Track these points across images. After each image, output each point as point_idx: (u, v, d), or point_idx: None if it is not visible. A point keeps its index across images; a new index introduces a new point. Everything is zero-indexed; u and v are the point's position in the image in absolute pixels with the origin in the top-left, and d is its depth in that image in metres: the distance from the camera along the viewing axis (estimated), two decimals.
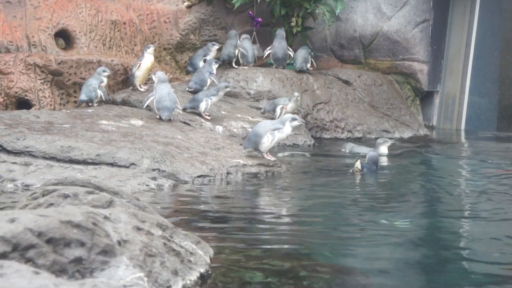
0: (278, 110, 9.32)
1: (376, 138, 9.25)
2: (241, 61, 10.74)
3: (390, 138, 9.24)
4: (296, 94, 9.38)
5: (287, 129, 7.54)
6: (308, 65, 10.86)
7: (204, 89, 9.46)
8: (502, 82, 11.83)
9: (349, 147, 8.99)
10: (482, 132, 11.54)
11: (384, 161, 8.42)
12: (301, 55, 10.83)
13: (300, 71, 10.76)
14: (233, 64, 10.67)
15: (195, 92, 9.52)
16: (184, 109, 9.05)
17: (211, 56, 10.46)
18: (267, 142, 7.51)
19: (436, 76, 11.97)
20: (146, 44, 10.43)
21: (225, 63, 10.64)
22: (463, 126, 11.91)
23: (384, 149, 8.72)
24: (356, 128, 10.36)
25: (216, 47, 10.59)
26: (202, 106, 8.96)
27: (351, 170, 7.46)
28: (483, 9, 11.92)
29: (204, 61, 10.34)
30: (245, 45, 10.75)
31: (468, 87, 11.96)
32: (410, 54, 11.77)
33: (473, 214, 6.09)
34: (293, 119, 7.55)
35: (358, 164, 7.39)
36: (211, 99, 8.98)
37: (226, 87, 9.15)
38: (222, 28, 11.32)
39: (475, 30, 11.95)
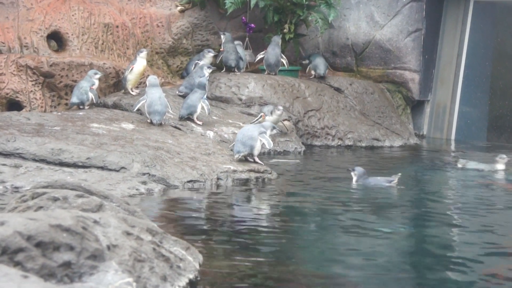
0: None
1: (495, 156, 8.90)
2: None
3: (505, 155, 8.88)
4: (279, 108, 9.27)
5: (267, 136, 7.76)
6: (327, 71, 11.38)
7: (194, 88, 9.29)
8: (493, 93, 11.88)
9: (462, 162, 8.78)
10: (472, 142, 11.57)
11: (500, 176, 8.38)
12: (322, 62, 11.33)
13: (322, 77, 11.24)
14: (235, 70, 10.64)
15: (185, 96, 9.46)
16: (180, 118, 9.00)
17: (205, 62, 10.43)
18: (260, 145, 7.63)
19: (427, 86, 12.00)
20: (139, 48, 10.43)
21: (232, 69, 10.62)
22: (453, 136, 11.94)
23: (501, 166, 8.57)
24: (347, 135, 10.37)
25: (211, 54, 10.55)
26: (206, 108, 8.90)
27: (393, 183, 7.40)
28: (475, 20, 11.97)
29: (196, 65, 10.34)
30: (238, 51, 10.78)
31: (459, 97, 11.99)
32: (402, 63, 11.79)
33: (462, 223, 6.11)
34: (273, 128, 7.90)
35: (396, 181, 7.38)
36: (205, 98, 9.00)
37: (209, 67, 9.59)
38: (215, 33, 11.32)
39: (467, 40, 11.99)
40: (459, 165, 8.76)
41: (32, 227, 3.19)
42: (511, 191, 7.78)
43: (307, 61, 11.41)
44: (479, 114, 11.94)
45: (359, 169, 7.50)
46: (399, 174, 7.47)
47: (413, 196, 7.32)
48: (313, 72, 11.31)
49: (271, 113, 9.18)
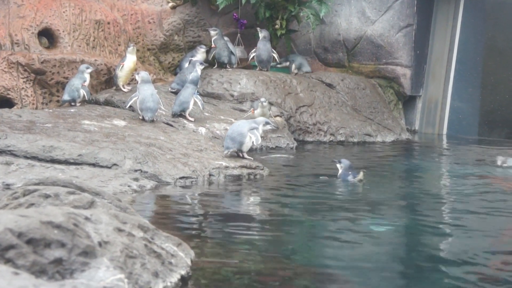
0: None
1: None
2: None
3: None
4: (262, 99, 9.30)
5: (260, 131, 7.76)
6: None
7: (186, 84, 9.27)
8: (484, 88, 11.91)
9: (501, 160, 8.50)
10: (463, 137, 11.60)
11: None
12: (304, 59, 11.65)
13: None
14: (228, 66, 10.66)
15: (177, 93, 9.46)
16: (173, 115, 8.99)
17: (197, 58, 10.45)
18: (250, 142, 7.62)
19: (419, 81, 12.03)
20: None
21: (225, 66, 10.64)
22: (445, 131, 11.98)
23: None
24: (339, 131, 10.38)
25: (203, 49, 10.60)
26: (199, 103, 8.89)
27: (356, 179, 7.34)
28: (467, 15, 12.00)
29: (190, 62, 10.36)
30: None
31: (450, 92, 12.02)
32: (393, 59, 11.81)
33: (453, 220, 6.13)
34: (266, 123, 7.80)
35: (361, 176, 7.34)
36: (197, 94, 9.00)
37: (201, 64, 9.54)
38: (207, 30, 11.31)
39: (458, 36, 12.02)
40: (499, 163, 8.48)
41: (23, 224, 3.19)
42: None
43: (287, 63, 11.39)
44: (471, 109, 11.97)
45: (345, 162, 7.46)
46: (364, 170, 7.40)
47: (409, 192, 7.34)
48: (296, 71, 11.33)
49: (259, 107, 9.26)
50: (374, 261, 4.71)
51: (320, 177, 7.56)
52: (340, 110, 10.78)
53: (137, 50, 10.19)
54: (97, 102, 9.60)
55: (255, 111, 9.21)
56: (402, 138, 11.07)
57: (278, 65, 11.28)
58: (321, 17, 11.26)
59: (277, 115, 9.77)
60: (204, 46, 10.69)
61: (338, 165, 7.43)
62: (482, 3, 12.15)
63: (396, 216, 6.18)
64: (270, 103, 9.87)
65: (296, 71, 11.35)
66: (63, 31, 10.19)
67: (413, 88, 11.91)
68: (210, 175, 7.18)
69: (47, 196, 3.98)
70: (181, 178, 6.97)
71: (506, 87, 11.75)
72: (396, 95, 11.93)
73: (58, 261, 3.23)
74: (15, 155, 6.81)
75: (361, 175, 7.31)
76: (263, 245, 4.97)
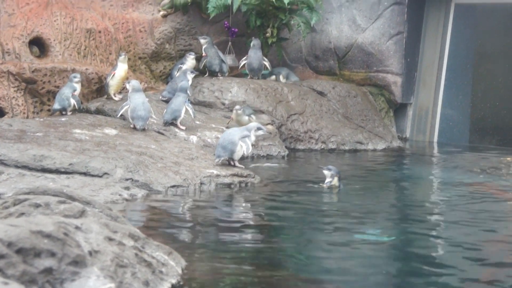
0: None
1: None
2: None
3: None
4: (236, 107, 9.25)
5: (252, 138, 7.77)
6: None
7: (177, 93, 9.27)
8: (475, 95, 11.95)
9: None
10: (454, 144, 11.63)
11: None
12: (290, 70, 11.67)
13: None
14: (219, 74, 10.69)
15: (168, 101, 9.46)
16: (165, 123, 8.98)
17: (187, 65, 10.48)
18: (241, 150, 7.62)
19: (410, 88, 12.06)
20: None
21: (216, 74, 10.68)
22: (435, 138, 12.00)
23: None
24: (330, 139, 10.40)
25: (193, 56, 10.62)
26: (191, 112, 8.89)
27: (325, 185, 7.40)
28: (457, 23, 12.05)
29: (179, 69, 10.38)
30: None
31: (441, 100, 12.06)
32: (384, 66, 11.84)
33: (444, 227, 6.14)
34: (258, 129, 7.79)
35: (336, 181, 7.37)
36: (188, 101, 9.00)
37: (192, 72, 9.68)
38: (197, 38, 11.30)
39: (448, 43, 12.06)
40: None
41: (12, 234, 3.18)
42: None
43: (273, 77, 11.39)
44: (461, 117, 12.01)
45: (334, 169, 7.45)
46: (336, 177, 7.38)
47: (400, 200, 7.35)
48: (285, 81, 11.35)
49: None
50: (364, 269, 4.71)
51: (315, 186, 7.54)
52: (331, 118, 10.79)
53: (128, 59, 10.19)
54: (88, 111, 9.59)
55: (234, 118, 9.21)
56: (393, 145, 11.09)
57: (270, 78, 11.34)
58: (311, 25, 11.29)
59: (268, 123, 9.78)
60: (193, 53, 10.71)
61: (325, 172, 7.42)
62: (472, 10, 12.21)
63: (386, 224, 6.19)
64: (262, 111, 9.89)
65: (284, 80, 11.37)
66: (54, 40, 10.18)
67: (404, 95, 11.93)
68: (201, 183, 7.18)
69: (37, 206, 3.98)
70: (172, 186, 6.97)
71: (496, 95, 11.79)
72: (387, 103, 11.95)
73: (48, 271, 3.23)
74: (6, 165, 6.80)
75: (335, 181, 7.33)
76: (254, 254, 4.97)
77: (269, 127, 9.73)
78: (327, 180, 7.37)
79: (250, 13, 11.24)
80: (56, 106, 9.19)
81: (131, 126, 8.70)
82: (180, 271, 3.90)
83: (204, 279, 4.20)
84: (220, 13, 11.06)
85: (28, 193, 4.37)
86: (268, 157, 9.31)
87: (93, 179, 6.76)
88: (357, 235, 5.56)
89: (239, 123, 9.00)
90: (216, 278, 4.29)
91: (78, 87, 9.35)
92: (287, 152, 9.60)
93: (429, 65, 12.14)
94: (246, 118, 9.17)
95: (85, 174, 6.85)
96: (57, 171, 6.83)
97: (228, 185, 7.33)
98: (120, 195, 6.52)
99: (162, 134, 8.81)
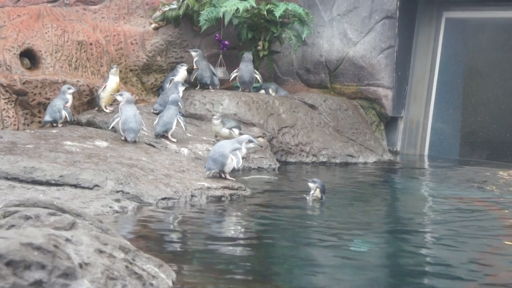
0: None
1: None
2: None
3: None
4: (214, 117, 9.29)
5: (243, 150, 7.78)
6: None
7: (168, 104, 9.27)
8: (465, 109, 12.00)
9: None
10: (445, 158, 11.66)
11: None
12: (278, 85, 11.65)
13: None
14: (210, 87, 10.72)
15: (159, 114, 9.46)
16: (157, 136, 8.98)
17: (179, 77, 10.50)
18: (232, 163, 7.61)
19: (401, 102, 12.10)
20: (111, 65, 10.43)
21: (207, 87, 10.71)
22: (426, 152, 12.04)
23: None
24: (321, 152, 10.41)
25: (185, 67, 10.66)
26: (182, 124, 8.91)
27: (308, 198, 7.41)
28: (447, 37, 12.11)
29: (171, 81, 10.40)
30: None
31: (431, 113, 12.11)
32: (375, 80, 11.88)
33: (433, 239, 6.15)
34: (249, 141, 7.79)
35: (318, 193, 7.38)
36: (180, 114, 9.01)
37: (183, 84, 9.76)
38: (188, 51, 11.32)
39: (439, 57, 12.12)
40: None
41: (2, 246, 3.16)
42: None
43: (263, 91, 11.42)
44: (452, 130, 12.06)
45: (319, 181, 7.46)
46: (317, 189, 7.39)
47: (390, 213, 7.36)
48: (274, 94, 11.39)
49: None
50: (355, 282, 4.71)
51: (302, 198, 7.55)
52: (323, 131, 10.81)
53: (120, 71, 10.19)
54: (79, 123, 9.58)
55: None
56: (384, 159, 11.11)
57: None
58: (303, 39, 11.33)
59: (260, 136, 9.79)
60: (184, 64, 10.74)
61: (310, 184, 7.42)
62: (463, 24, 12.28)
63: (377, 237, 6.18)
64: (253, 124, 9.90)
65: (274, 93, 11.40)
66: (45, 52, 10.18)
67: (394, 109, 11.97)
68: (192, 196, 7.16)
69: (27, 218, 3.96)
70: (163, 199, 6.96)
71: (486, 108, 11.85)
72: (378, 116, 11.99)
73: (38, 283, 3.21)
74: None
75: (317, 192, 7.34)
76: (245, 267, 4.96)
77: (260, 139, 9.74)
78: (311, 192, 7.39)
79: (242, 26, 11.27)
80: (47, 118, 9.18)
81: (122, 138, 8.69)
82: (170, 284, 3.88)
83: None
84: (211, 26, 11.10)
85: (18, 205, 4.35)
86: (259, 170, 9.31)
87: (83, 191, 6.74)
88: (349, 247, 5.56)
89: (219, 135, 9.03)
90: None
91: (70, 98, 9.34)
92: (278, 165, 9.60)
93: (420, 79, 12.19)
94: (227, 130, 9.15)
95: (75, 186, 6.83)
96: (47, 183, 6.80)
97: (219, 198, 7.32)
98: (110, 207, 6.50)
99: (153, 146, 8.81)
